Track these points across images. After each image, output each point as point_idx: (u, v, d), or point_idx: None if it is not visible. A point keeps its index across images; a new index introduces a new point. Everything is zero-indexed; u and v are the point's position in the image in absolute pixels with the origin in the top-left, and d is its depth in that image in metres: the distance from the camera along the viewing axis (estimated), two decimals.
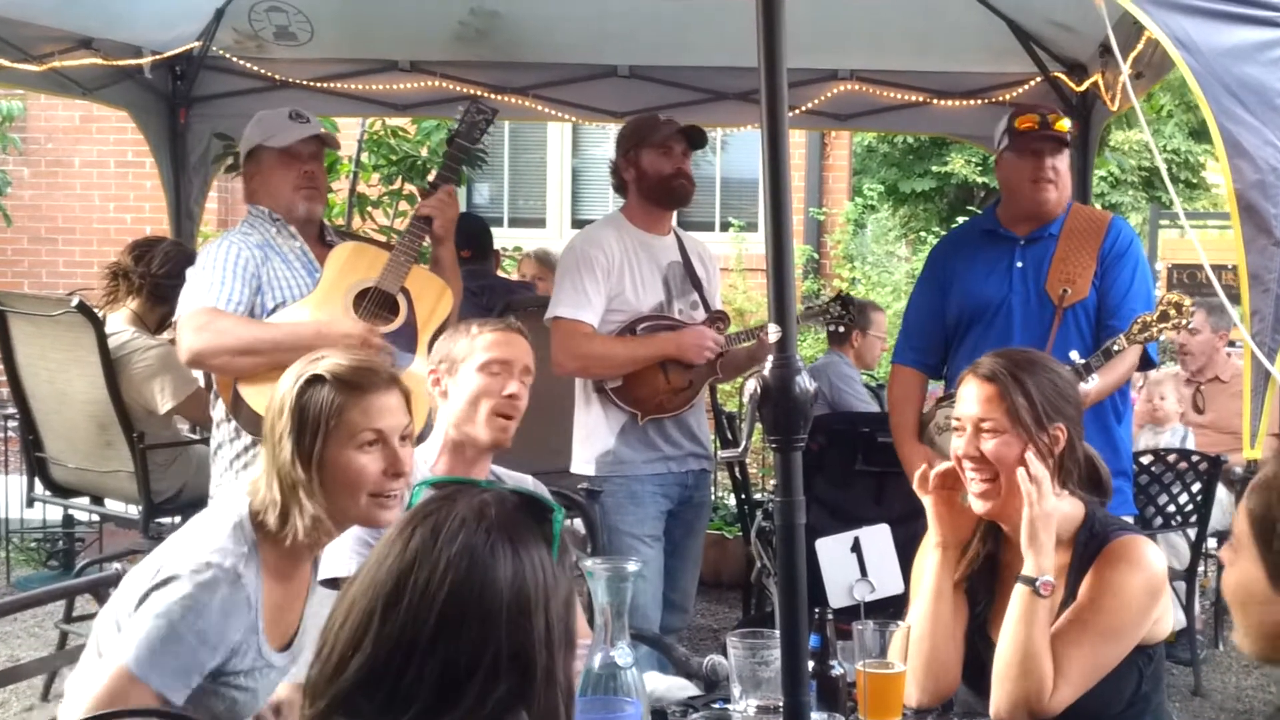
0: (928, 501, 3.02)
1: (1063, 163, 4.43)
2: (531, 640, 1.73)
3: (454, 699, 1.70)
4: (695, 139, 4.75)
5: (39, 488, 5.90)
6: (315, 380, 2.70)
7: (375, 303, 4.18)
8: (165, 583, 2.56)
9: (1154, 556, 2.92)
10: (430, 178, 4.52)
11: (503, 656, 1.71)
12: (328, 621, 1.79)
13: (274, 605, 2.72)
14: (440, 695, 1.70)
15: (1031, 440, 2.91)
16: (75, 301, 5.33)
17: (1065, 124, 4.41)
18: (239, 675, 2.67)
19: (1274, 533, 2.01)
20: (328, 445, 2.68)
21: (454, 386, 3.43)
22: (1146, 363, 4.53)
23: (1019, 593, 2.85)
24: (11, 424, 7.40)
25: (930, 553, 3.02)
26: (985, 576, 3.05)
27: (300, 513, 2.66)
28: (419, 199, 4.56)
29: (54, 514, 7.83)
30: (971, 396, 2.98)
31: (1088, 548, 2.93)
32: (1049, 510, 2.86)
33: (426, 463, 3.44)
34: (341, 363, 2.75)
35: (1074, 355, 4.14)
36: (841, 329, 5.43)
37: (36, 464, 5.84)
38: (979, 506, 2.95)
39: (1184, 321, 4.09)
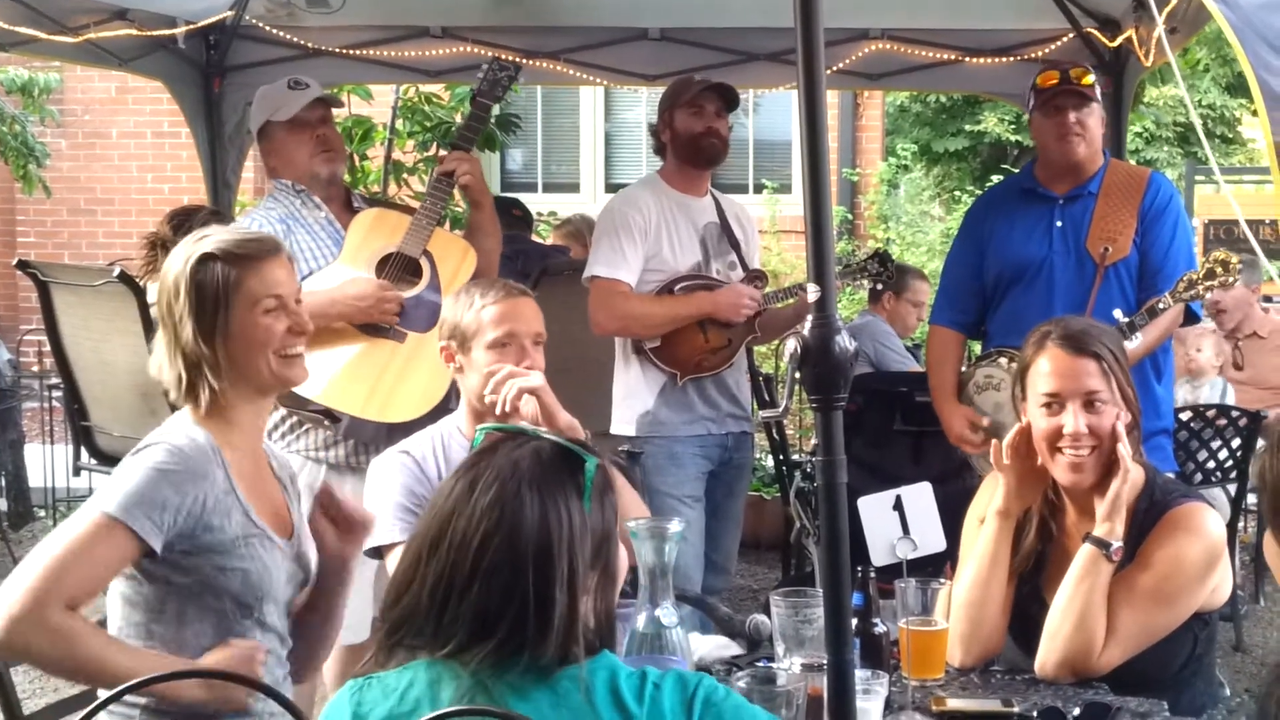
0: (1006, 475, 3.00)
1: (1090, 117, 4.40)
2: (553, 584, 1.92)
3: (486, 635, 1.91)
4: (727, 97, 4.75)
5: (84, 456, 5.97)
6: (207, 258, 2.77)
7: (399, 267, 4.20)
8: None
9: (1214, 524, 2.92)
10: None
11: (530, 599, 1.90)
12: (400, 558, 2.00)
13: (244, 473, 2.77)
14: (473, 633, 1.91)
15: (1130, 411, 2.94)
16: (117, 271, 5.36)
17: (1090, 78, 4.39)
18: (237, 543, 2.70)
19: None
20: (231, 317, 2.77)
21: (469, 365, 3.44)
22: (1190, 318, 4.52)
23: (1086, 552, 2.86)
24: (56, 394, 7.48)
25: (989, 520, 3.01)
26: (1039, 542, 3.05)
27: (204, 386, 2.76)
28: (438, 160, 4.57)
29: (100, 482, 7.92)
30: (1071, 371, 2.94)
31: (1148, 514, 2.94)
32: (1135, 480, 2.88)
33: (460, 429, 3.47)
34: (227, 237, 2.84)
35: (1118, 314, 4.13)
36: (879, 286, 5.40)
37: (82, 433, 5.90)
38: (1069, 478, 2.95)
39: (1230, 279, 4.07)
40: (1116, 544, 2.84)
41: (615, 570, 2.05)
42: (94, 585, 2.60)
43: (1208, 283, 4.08)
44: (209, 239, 2.82)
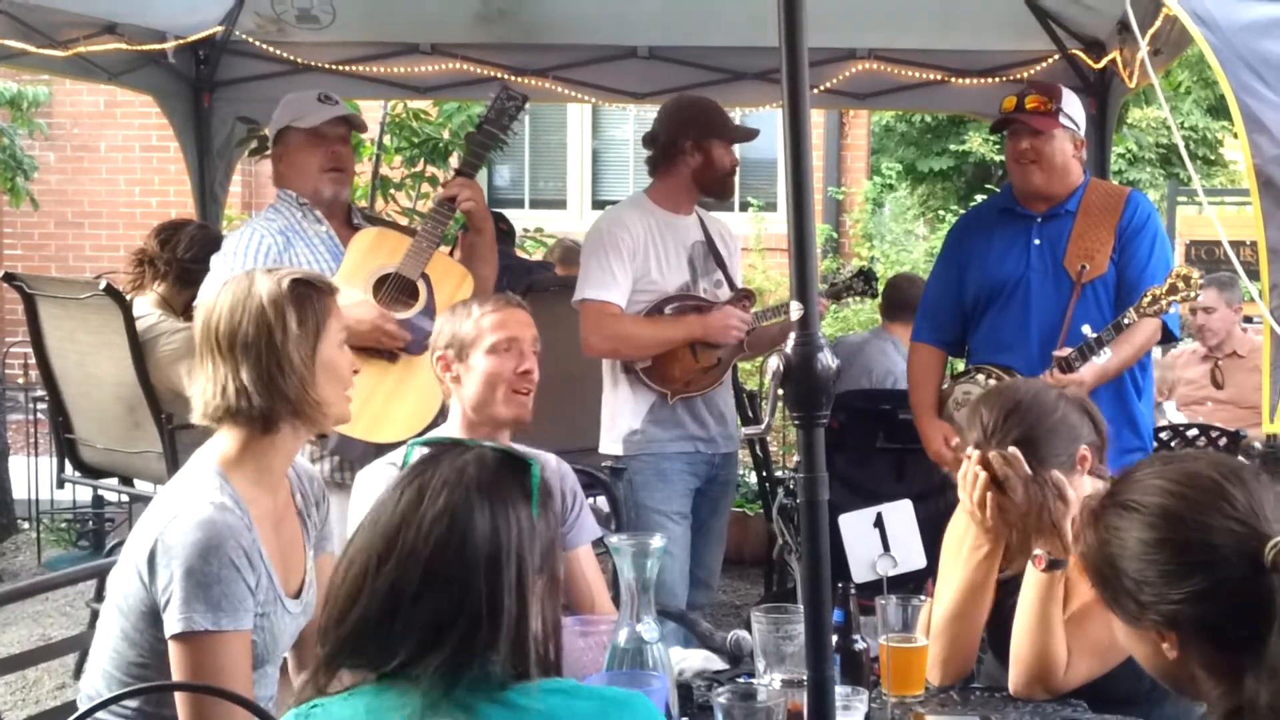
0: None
1: (1048, 144, 4.43)
2: (502, 589, 1.89)
3: (436, 645, 1.86)
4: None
5: (69, 469, 5.96)
6: (301, 283, 2.77)
7: (396, 288, 4.20)
8: (167, 551, 2.58)
9: None
10: (453, 162, 4.53)
11: (481, 606, 1.87)
12: (332, 576, 1.95)
13: (266, 530, 2.71)
14: (422, 643, 1.86)
15: (1030, 496, 2.86)
16: (103, 284, 5.35)
17: (1053, 104, 4.42)
18: (254, 613, 2.65)
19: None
20: (322, 345, 2.77)
21: (466, 372, 3.45)
22: (1168, 336, 4.55)
23: (1028, 573, 2.88)
24: (41, 406, 7.47)
25: (976, 547, 2.97)
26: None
27: (310, 407, 2.74)
28: (441, 183, 4.57)
29: (84, 495, 7.92)
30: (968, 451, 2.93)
31: None
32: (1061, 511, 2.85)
33: None
34: (298, 271, 2.84)
35: (1086, 330, 4.18)
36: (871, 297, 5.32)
37: (66, 445, 5.89)
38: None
39: (1193, 294, 4.11)
40: (1038, 552, 2.85)
41: (560, 577, 2.03)
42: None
43: (1170, 297, 4.11)
44: (281, 269, 2.81)
